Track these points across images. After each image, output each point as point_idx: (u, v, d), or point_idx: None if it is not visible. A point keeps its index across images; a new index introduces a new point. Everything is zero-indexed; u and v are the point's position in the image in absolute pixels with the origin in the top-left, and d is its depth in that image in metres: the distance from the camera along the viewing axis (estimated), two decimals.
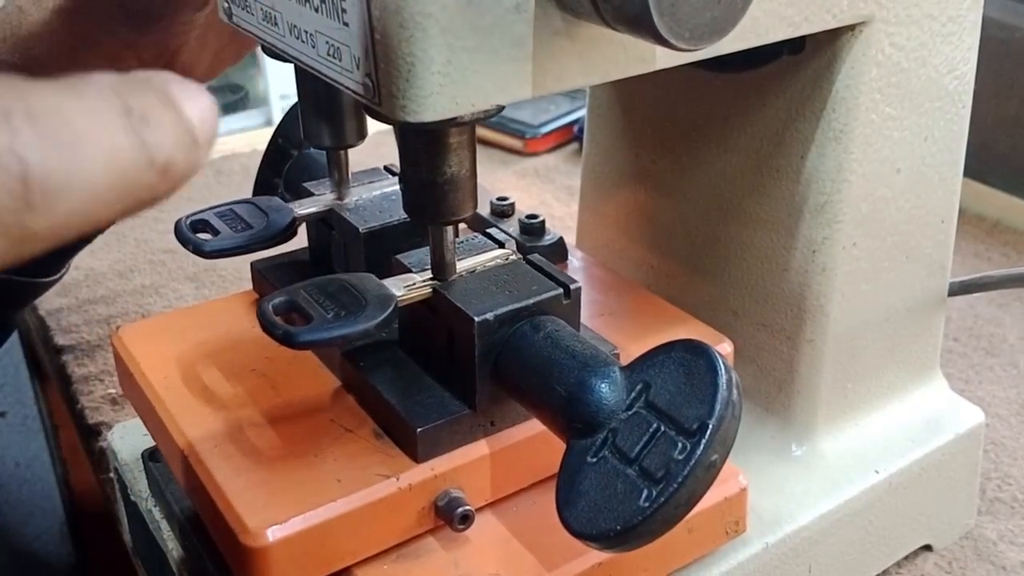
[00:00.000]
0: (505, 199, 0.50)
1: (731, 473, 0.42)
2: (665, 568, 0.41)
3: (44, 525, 0.95)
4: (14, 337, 0.90)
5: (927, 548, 0.52)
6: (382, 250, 0.43)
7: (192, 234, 0.43)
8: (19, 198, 0.21)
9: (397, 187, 0.47)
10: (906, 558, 0.52)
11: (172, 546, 0.46)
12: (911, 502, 0.49)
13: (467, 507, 0.37)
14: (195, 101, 0.24)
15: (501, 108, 0.33)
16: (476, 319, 0.37)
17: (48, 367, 0.75)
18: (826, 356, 0.46)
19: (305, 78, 0.42)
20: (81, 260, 0.81)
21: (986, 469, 0.57)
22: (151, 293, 0.77)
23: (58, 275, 0.52)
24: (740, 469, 0.42)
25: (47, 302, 0.76)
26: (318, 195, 0.47)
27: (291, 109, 0.55)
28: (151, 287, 0.78)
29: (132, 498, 0.49)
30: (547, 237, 0.49)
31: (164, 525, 0.46)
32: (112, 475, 0.52)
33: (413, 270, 0.39)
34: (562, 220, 0.85)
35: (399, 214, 0.44)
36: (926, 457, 0.49)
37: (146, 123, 0.22)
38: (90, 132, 0.22)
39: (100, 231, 0.47)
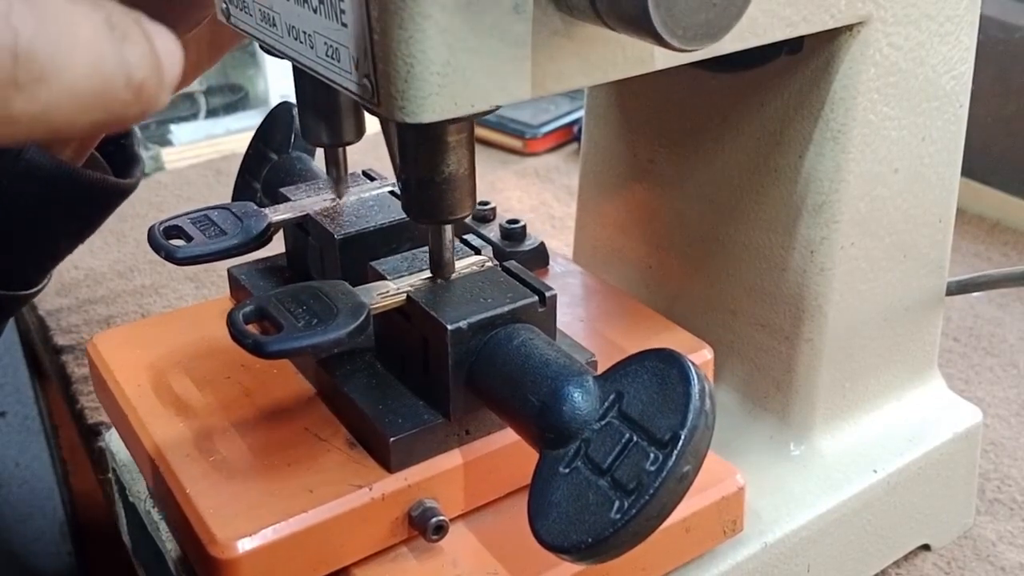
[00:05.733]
0: (486, 203, 0.50)
1: (728, 472, 0.42)
2: (663, 567, 0.41)
3: (44, 525, 0.95)
4: (14, 337, 0.90)
5: (925, 548, 0.52)
6: (358, 257, 0.42)
7: (165, 240, 0.42)
8: (6, 70, 0.21)
9: (375, 193, 0.46)
10: (905, 558, 0.52)
11: (171, 547, 0.45)
12: (909, 501, 0.49)
13: (441, 517, 0.37)
14: (162, 39, 0.25)
15: (497, 106, 0.33)
16: (449, 327, 0.36)
17: (48, 367, 0.75)
18: (824, 355, 0.46)
19: (303, 76, 0.42)
20: (81, 260, 0.81)
21: (985, 470, 0.57)
22: (151, 293, 0.77)
23: (38, 288, 0.50)
24: (737, 468, 0.42)
25: (47, 302, 0.76)
26: (295, 200, 0.46)
27: (270, 113, 0.54)
28: (151, 287, 0.78)
29: (131, 499, 0.49)
30: (527, 242, 0.49)
31: (163, 526, 0.46)
32: (111, 476, 0.52)
33: (388, 277, 0.39)
34: (562, 220, 0.85)
35: (376, 220, 0.44)
36: (924, 456, 0.49)
37: (125, 40, 0.24)
38: (80, 27, 0.23)
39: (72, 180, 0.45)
